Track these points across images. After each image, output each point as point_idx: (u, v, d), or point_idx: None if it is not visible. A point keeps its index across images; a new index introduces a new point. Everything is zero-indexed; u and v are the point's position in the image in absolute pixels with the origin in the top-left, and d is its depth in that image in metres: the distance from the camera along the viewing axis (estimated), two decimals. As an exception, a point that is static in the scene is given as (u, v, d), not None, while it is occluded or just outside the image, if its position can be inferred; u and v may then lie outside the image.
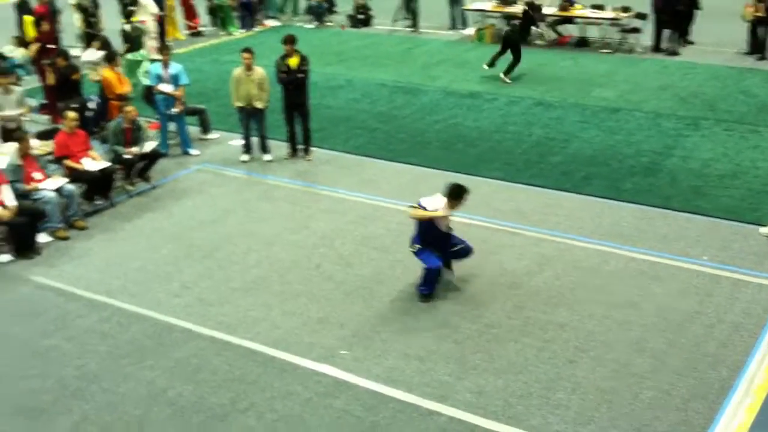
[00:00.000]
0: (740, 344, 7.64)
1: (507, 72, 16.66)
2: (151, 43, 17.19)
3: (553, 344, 7.76)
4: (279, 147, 12.81)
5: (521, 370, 7.39)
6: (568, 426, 6.64)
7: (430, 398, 7.04)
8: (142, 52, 15.77)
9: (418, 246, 8.55)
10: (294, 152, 12.79)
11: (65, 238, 10.15)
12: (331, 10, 23.06)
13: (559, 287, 8.79)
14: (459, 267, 9.04)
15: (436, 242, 8.55)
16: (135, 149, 11.46)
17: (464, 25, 21.71)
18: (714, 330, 7.89)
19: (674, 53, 18.43)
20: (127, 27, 17.30)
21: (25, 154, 10.24)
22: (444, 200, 8.40)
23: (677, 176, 11.58)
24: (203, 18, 21.85)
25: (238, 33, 21.57)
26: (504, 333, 7.97)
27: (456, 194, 8.39)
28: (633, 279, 8.90)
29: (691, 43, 19.07)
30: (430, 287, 8.58)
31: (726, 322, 8.02)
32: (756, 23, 17.88)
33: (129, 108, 11.61)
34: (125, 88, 12.97)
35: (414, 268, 8.91)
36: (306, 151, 12.75)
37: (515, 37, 16.88)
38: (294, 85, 12.27)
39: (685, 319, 8.08)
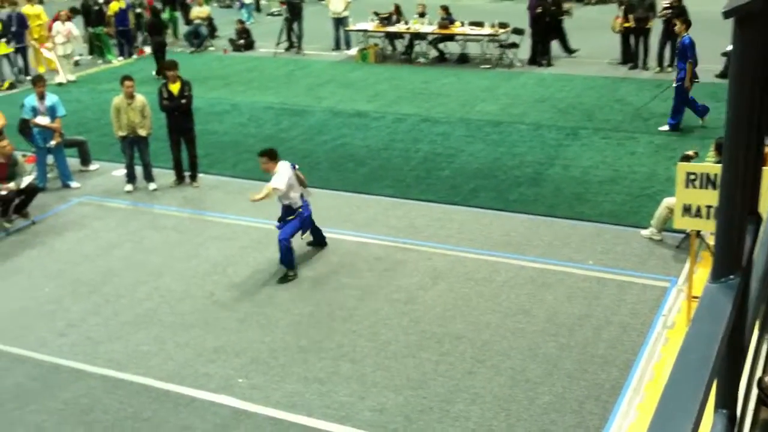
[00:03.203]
0: (628, 344, 7.90)
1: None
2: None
3: (450, 356, 7.83)
4: (164, 175, 12.51)
5: (420, 384, 7.42)
6: (468, 437, 6.71)
7: (331, 420, 6.98)
8: None
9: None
10: (180, 179, 12.52)
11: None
12: (212, 34, 22.81)
13: (453, 300, 8.88)
14: (354, 286, 9.04)
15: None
16: (11, 185, 10.97)
17: (348, 45, 21.86)
18: (602, 332, 8.14)
19: (549, 64, 19.15)
20: None
21: None
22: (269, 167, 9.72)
23: (560, 185, 11.94)
24: (80, 47, 21.23)
25: (117, 61, 21.05)
26: (401, 348, 7.99)
27: (267, 154, 9.78)
28: (523, 287, 9.09)
29: (569, 53, 19.79)
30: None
31: (614, 323, 8.28)
32: (626, 33, 18.73)
33: (4, 143, 11.12)
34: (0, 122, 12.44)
35: (309, 293, 8.84)
36: (193, 177, 12.50)
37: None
38: (178, 111, 12.06)
39: (574, 323, 8.31)
